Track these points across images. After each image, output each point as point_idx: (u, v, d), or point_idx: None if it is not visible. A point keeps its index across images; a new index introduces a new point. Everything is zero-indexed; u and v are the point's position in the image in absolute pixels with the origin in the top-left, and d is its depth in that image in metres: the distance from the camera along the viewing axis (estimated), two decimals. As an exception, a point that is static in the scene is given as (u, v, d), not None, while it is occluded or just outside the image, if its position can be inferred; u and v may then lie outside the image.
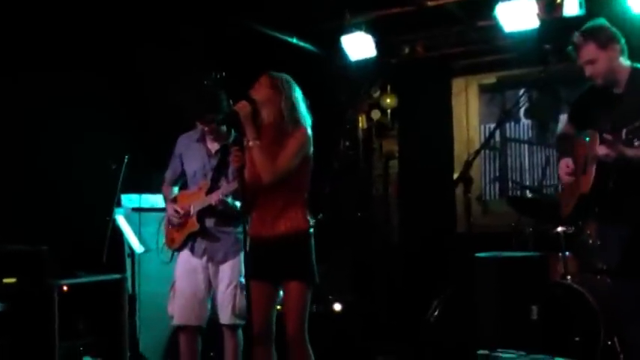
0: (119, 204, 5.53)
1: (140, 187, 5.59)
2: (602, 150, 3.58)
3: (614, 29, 3.78)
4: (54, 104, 5.61)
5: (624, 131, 3.40)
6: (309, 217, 3.97)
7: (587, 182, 3.73)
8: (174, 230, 4.65)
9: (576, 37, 3.78)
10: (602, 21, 3.82)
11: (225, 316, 4.51)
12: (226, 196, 4.37)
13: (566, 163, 3.95)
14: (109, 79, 5.92)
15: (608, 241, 3.98)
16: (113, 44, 5.94)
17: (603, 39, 3.72)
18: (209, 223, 4.55)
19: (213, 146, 4.62)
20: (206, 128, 4.59)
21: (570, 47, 3.83)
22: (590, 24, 3.83)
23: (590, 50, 3.72)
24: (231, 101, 4.43)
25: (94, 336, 5.42)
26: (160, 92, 6.18)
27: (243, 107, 3.83)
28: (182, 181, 4.78)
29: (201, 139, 4.66)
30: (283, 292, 3.97)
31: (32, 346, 4.93)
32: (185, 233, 4.59)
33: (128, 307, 5.43)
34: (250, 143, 3.82)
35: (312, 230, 3.96)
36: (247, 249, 3.80)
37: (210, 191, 4.47)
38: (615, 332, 4.88)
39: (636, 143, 3.38)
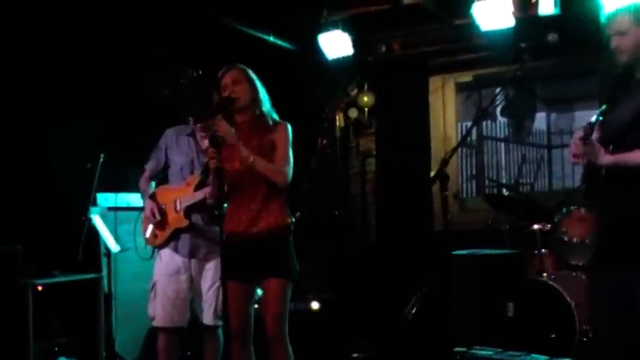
0: (95, 203, 5.50)
1: (116, 185, 5.55)
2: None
3: None
4: (29, 99, 5.54)
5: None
6: (289, 214, 3.96)
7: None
8: (156, 226, 4.56)
9: (617, 8, 3.72)
10: None
11: (207, 317, 4.48)
12: None
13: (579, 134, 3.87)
14: (85, 75, 5.86)
15: (592, 236, 3.95)
16: (89, 39, 5.88)
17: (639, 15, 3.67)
18: (196, 219, 4.49)
19: (204, 142, 4.55)
20: (198, 124, 4.54)
21: (606, 16, 3.75)
22: (635, 4, 3.78)
23: (624, 21, 3.59)
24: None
25: (69, 335, 5.39)
26: (137, 88, 6.13)
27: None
28: (161, 175, 4.72)
29: (192, 134, 4.61)
30: (262, 290, 3.95)
31: (6, 346, 4.89)
32: (171, 229, 4.51)
33: (104, 307, 5.40)
34: (251, 159, 3.79)
35: (292, 227, 3.96)
36: (223, 248, 3.77)
37: (199, 187, 4.38)
38: (590, 328, 4.92)
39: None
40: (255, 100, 3.96)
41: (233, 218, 3.90)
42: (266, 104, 4.02)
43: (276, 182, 3.86)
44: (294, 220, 4.00)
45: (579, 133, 3.54)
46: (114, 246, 5.23)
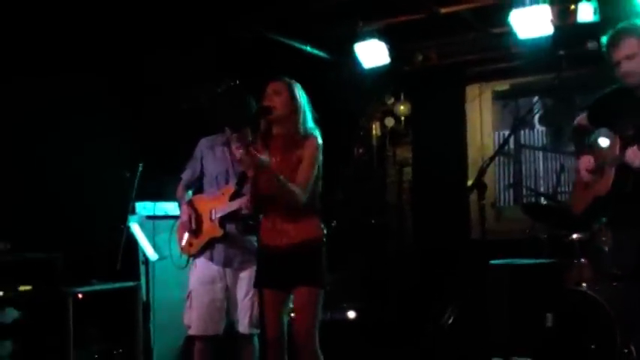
0: (133, 212, 5.54)
1: (154, 194, 5.61)
2: (631, 155, 3.49)
3: None
4: (69, 111, 5.64)
5: None
6: (322, 225, 3.97)
7: (605, 184, 3.68)
8: (191, 234, 4.58)
9: (617, 30, 3.65)
10: None
11: (242, 326, 4.48)
12: None
13: (588, 159, 3.86)
14: (122, 86, 5.94)
15: (623, 246, 3.93)
16: (126, 50, 5.97)
17: None
18: (230, 228, 4.49)
19: (239, 152, 4.56)
20: (234, 134, 4.54)
21: (606, 40, 3.68)
22: (633, 22, 3.73)
23: (631, 44, 3.56)
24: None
25: (108, 343, 5.44)
26: (172, 98, 6.20)
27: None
28: (197, 184, 4.74)
29: (227, 144, 4.62)
30: (294, 298, 3.96)
31: (47, 353, 4.96)
32: (205, 238, 4.52)
33: (142, 315, 5.44)
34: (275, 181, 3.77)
35: (325, 239, 3.96)
36: (258, 257, 3.79)
37: (234, 197, 4.37)
38: (631, 340, 4.84)
39: None
40: (294, 113, 3.94)
41: (267, 228, 3.92)
42: (308, 120, 4.00)
43: (289, 204, 3.84)
44: (326, 230, 3.99)
45: (587, 158, 3.60)
46: (152, 254, 5.27)
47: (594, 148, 3.85)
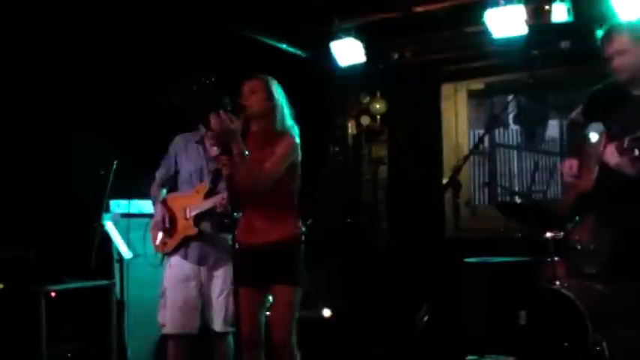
0: (107, 209, 5.51)
1: (128, 192, 5.57)
2: (609, 153, 3.52)
3: None
4: (42, 106, 5.58)
5: (627, 139, 3.37)
6: (300, 224, 3.96)
7: (588, 181, 3.71)
8: (165, 234, 4.57)
9: (611, 26, 3.70)
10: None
11: (217, 324, 4.48)
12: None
13: (570, 165, 3.90)
14: (98, 82, 5.89)
15: (600, 244, 3.96)
16: (102, 45, 5.91)
17: (637, 33, 3.63)
18: (205, 227, 4.49)
19: (213, 150, 4.54)
20: (208, 132, 4.52)
21: (601, 35, 3.71)
22: (629, 21, 3.77)
23: (623, 40, 3.60)
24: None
25: (81, 342, 5.40)
26: (150, 95, 6.16)
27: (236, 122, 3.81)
28: (172, 182, 4.71)
29: (201, 142, 4.61)
30: (272, 297, 3.96)
31: (19, 352, 4.91)
32: (180, 237, 4.52)
33: (116, 313, 5.41)
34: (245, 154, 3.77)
35: (303, 237, 3.96)
36: (234, 256, 3.78)
37: (208, 195, 4.37)
38: (604, 337, 4.89)
39: (637, 153, 3.35)
40: (270, 111, 3.95)
41: (244, 226, 3.92)
42: (286, 117, 4.00)
43: (256, 185, 3.82)
44: (305, 228, 3.99)
45: (569, 163, 3.63)
46: (126, 252, 5.24)
47: (586, 144, 3.85)
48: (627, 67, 3.61)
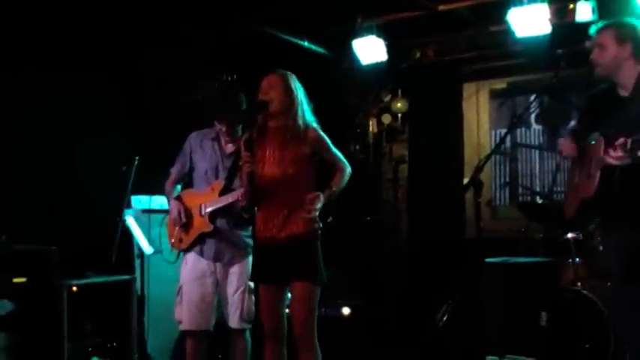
0: (129, 205, 5.54)
1: (150, 188, 5.60)
2: (613, 154, 3.51)
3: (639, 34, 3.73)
4: (66, 104, 5.63)
5: (629, 141, 3.35)
6: (317, 219, 3.96)
7: (591, 187, 3.69)
8: (181, 230, 4.57)
9: (605, 21, 3.76)
10: (636, 22, 3.77)
11: (233, 321, 4.49)
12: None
13: (567, 143, 3.92)
14: (119, 80, 5.94)
15: (611, 247, 3.95)
16: (123, 45, 5.96)
17: (622, 33, 3.68)
18: (220, 223, 4.49)
19: (228, 147, 4.56)
20: (224, 128, 4.52)
21: (593, 27, 3.80)
22: (624, 19, 3.81)
23: (606, 36, 3.69)
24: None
25: (102, 337, 5.43)
26: (170, 93, 6.19)
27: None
28: (187, 179, 4.72)
29: (216, 139, 4.60)
30: (291, 293, 3.96)
31: (41, 345, 4.95)
32: (195, 234, 4.52)
33: (137, 308, 5.43)
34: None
35: (319, 233, 3.95)
36: (254, 251, 3.79)
37: (224, 192, 4.37)
38: (625, 339, 4.85)
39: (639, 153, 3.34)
40: (291, 107, 3.93)
41: (262, 223, 3.92)
42: (306, 112, 4.00)
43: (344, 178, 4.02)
44: (322, 225, 3.98)
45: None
46: (147, 248, 5.27)
47: (586, 150, 3.85)
48: (603, 63, 3.70)
